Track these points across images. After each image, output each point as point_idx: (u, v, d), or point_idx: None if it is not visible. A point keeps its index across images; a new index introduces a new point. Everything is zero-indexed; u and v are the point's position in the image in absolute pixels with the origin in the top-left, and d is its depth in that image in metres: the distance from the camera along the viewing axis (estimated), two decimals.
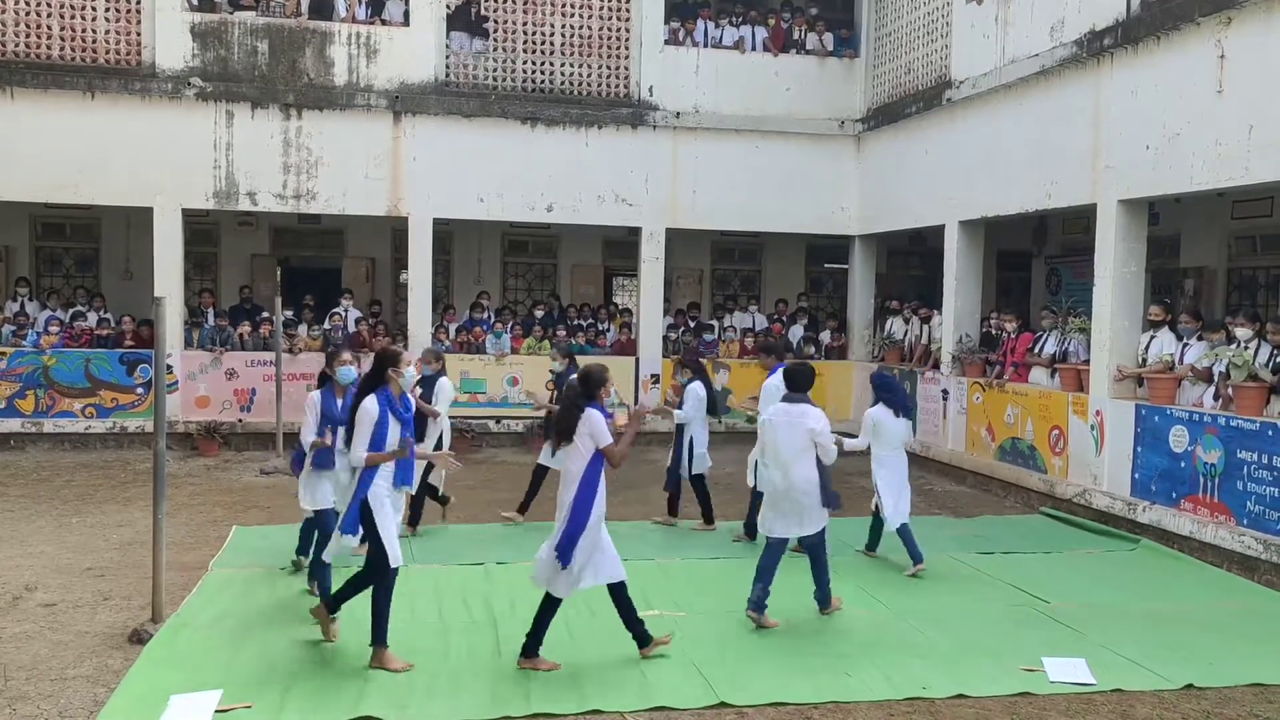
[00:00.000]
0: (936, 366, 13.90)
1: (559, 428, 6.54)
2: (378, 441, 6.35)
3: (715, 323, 16.94)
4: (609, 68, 15.47)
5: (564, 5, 15.24)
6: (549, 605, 6.41)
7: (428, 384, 9.62)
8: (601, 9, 15.35)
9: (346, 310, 15.44)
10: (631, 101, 15.45)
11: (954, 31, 13.48)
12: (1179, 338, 10.20)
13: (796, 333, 16.59)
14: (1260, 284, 13.55)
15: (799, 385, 7.52)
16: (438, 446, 9.27)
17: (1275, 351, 9.08)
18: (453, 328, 15.71)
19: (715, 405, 10.32)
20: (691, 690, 6.09)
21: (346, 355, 7.58)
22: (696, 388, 10.08)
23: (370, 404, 6.36)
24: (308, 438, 7.29)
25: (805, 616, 7.46)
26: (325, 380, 7.56)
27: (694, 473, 10.06)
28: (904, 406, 8.99)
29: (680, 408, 10.09)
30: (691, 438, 10.02)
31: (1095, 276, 10.85)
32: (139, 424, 14.06)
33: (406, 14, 15.02)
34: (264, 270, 17.10)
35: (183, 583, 7.89)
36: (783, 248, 18.57)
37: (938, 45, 14.02)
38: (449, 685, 6.13)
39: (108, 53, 14.22)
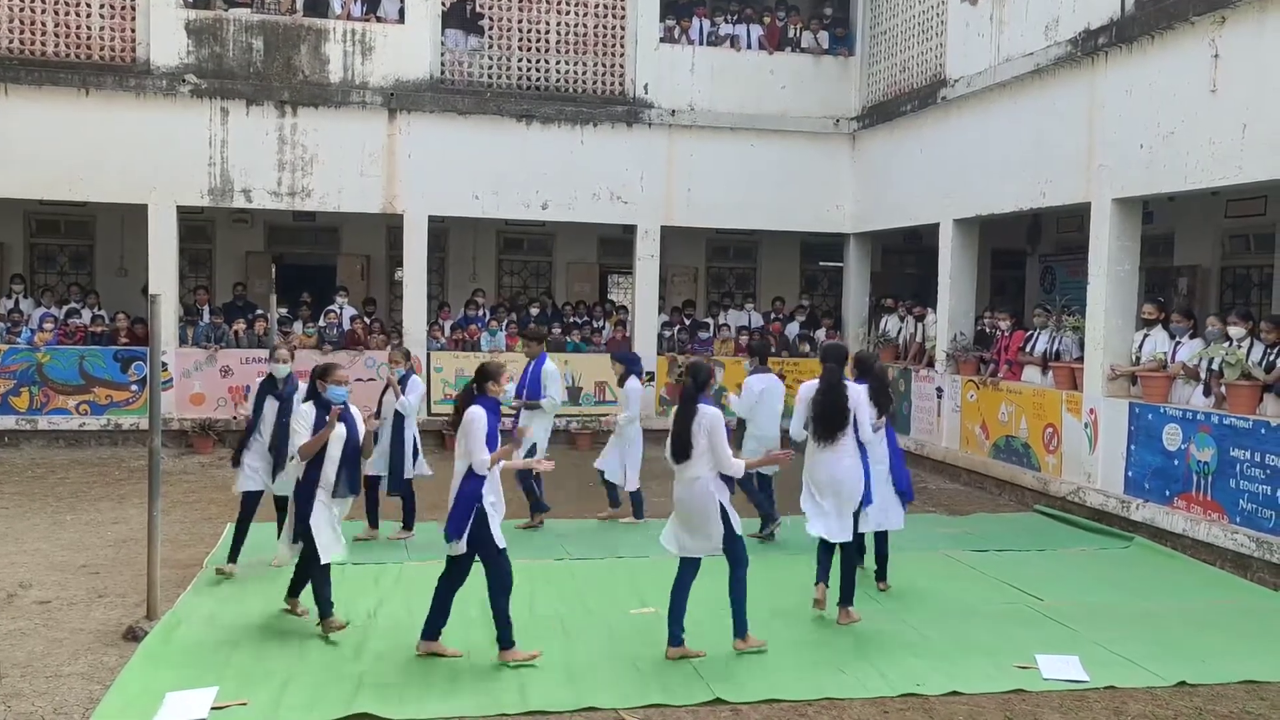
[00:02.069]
0: (931, 364, 13.92)
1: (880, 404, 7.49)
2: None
3: (710, 320, 16.95)
4: (604, 65, 15.47)
5: (559, 3, 15.23)
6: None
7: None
8: (597, 6, 15.35)
9: (341, 308, 15.43)
10: (627, 99, 15.45)
11: (949, 30, 13.51)
12: (1172, 336, 10.23)
13: (793, 330, 16.62)
14: (1253, 282, 13.59)
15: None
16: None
17: (1268, 350, 9.11)
18: (448, 325, 15.71)
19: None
20: (687, 687, 6.11)
21: (284, 352, 8.30)
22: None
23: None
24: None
25: (802, 614, 7.47)
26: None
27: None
28: (642, 375, 10.09)
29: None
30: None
31: (1089, 275, 10.88)
32: (133, 421, 14.04)
33: (402, 11, 15.01)
34: (259, 267, 17.10)
35: (178, 580, 7.90)
36: (778, 245, 18.60)
37: (933, 44, 14.03)
38: (445, 682, 6.14)
39: (102, 49, 14.19)
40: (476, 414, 6.36)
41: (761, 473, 9.49)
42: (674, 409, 6.74)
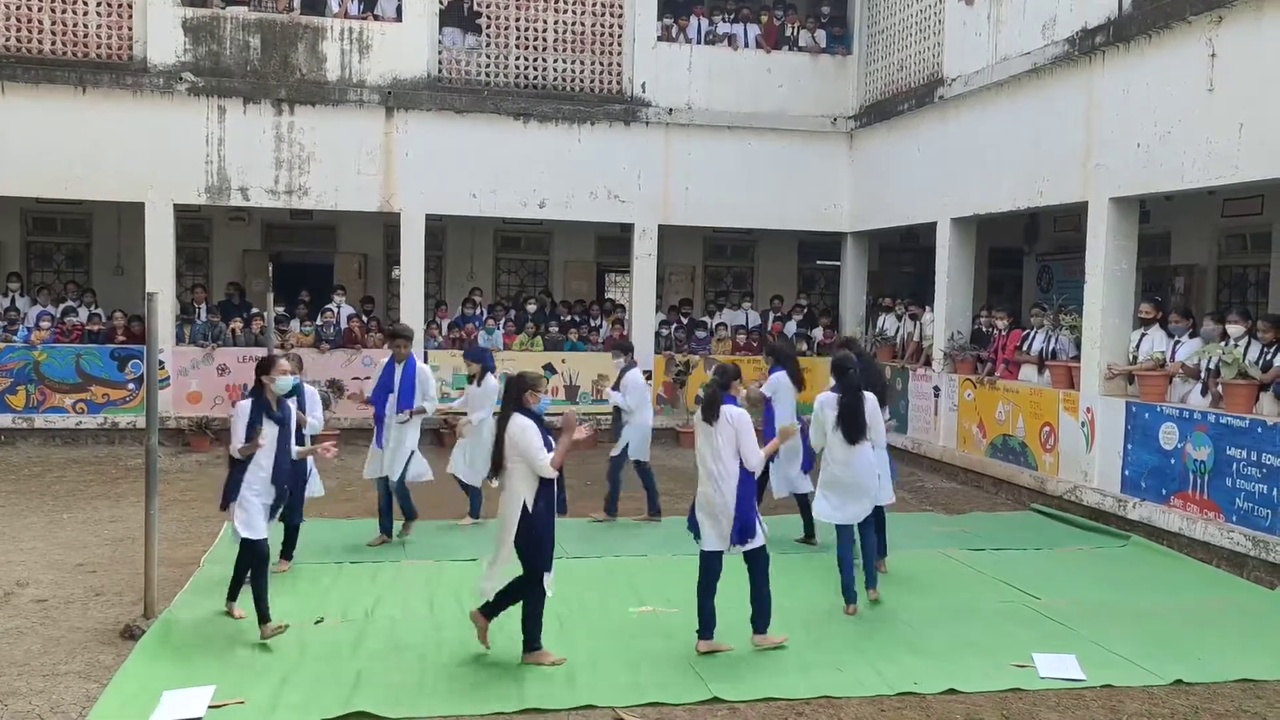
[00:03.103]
0: (928, 363, 13.93)
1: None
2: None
3: (708, 319, 16.96)
4: (602, 64, 15.46)
5: (557, 1, 15.23)
6: None
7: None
8: (595, 5, 15.34)
9: (339, 306, 15.43)
10: (624, 98, 15.45)
11: (946, 29, 13.51)
12: (1170, 335, 10.24)
13: (790, 329, 16.63)
14: (1250, 281, 13.61)
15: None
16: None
17: (1265, 349, 9.13)
18: (445, 324, 15.70)
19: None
20: (684, 685, 6.11)
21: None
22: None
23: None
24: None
25: (798, 614, 7.46)
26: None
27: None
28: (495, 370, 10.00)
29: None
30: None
31: (1086, 274, 10.89)
32: (130, 419, 14.03)
33: (399, 9, 15.01)
34: (256, 266, 17.07)
35: (175, 578, 7.89)
36: (775, 244, 18.61)
37: (930, 43, 14.04)
38: (442, 680, 6.14)
39: (99, 47, 14.17)
40: (745, 415, 6.67)
41: (644, 459, 10.32)
42: (834, 400, 7.59)
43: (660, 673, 6.29)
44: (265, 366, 6.92)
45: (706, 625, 6.66)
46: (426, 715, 5.68)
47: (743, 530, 6.55)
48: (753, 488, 6.66)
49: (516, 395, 6.41)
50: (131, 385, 14.23)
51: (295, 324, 15.17)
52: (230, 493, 6.78)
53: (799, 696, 6.01)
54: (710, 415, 6.61)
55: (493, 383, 9.82)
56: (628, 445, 10.20)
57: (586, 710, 5.78)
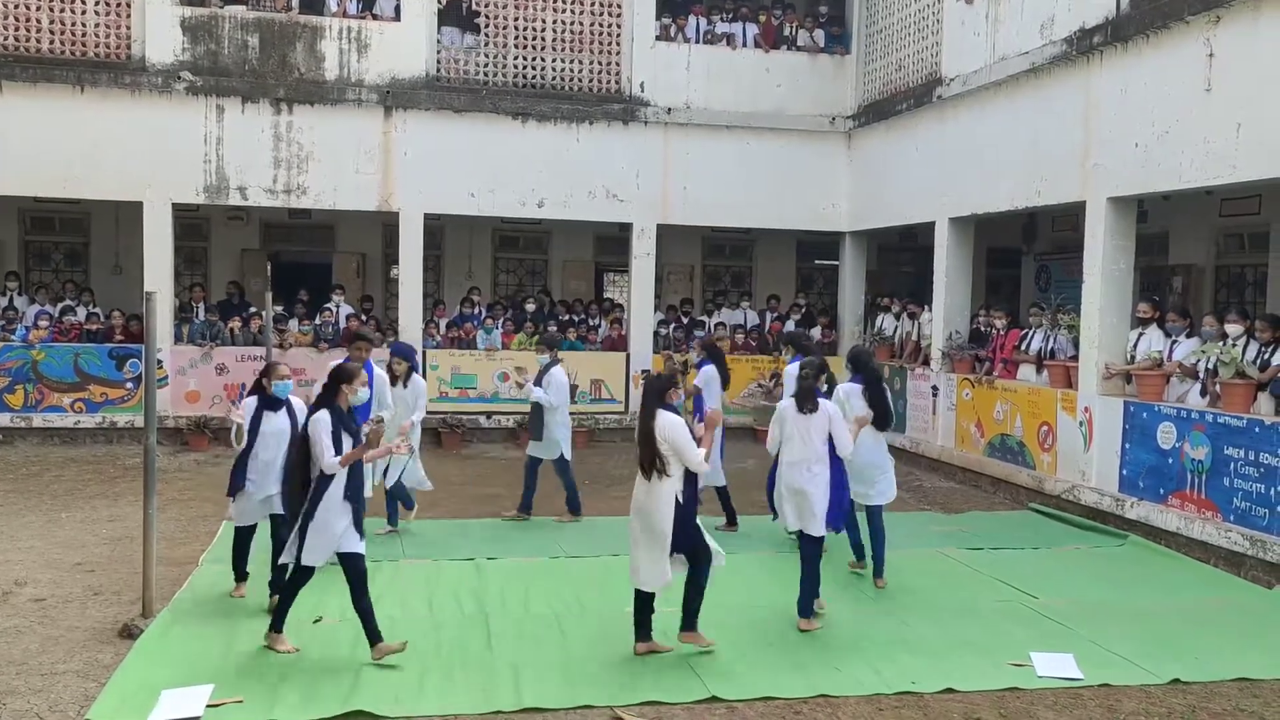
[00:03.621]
0: (926, 363, 13.95)
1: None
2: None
3: (706, 319, 16.96)
4: (600, 63, 15.46)
5: (555, 0, 15.23)
6: None
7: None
8: (593, 4, 15.34)
9: (338, 306, 15.42)
10: (623, 97, 15.45)
11: (945, 29, 13.52)
12: (1167, 335, 10.25)
13: (789, 328, 16.62)
14: (1248, 281, 13.62)
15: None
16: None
17: (1263, 349, 9.14)
18: (443, 323, 15.70)
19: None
20: (682, 684, 6.12)
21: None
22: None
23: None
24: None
25: (795, 612, 7.48)
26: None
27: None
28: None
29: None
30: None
31: (1084, 273, 10.90)
32: (128, 419, 14.03)
33: (398, 8, 15.01)
34: (254, 265, 17.07)
35: (173, 577, 7.89)
36: (774, 244, 18.62)
37: (929, 43, 14.05)
38: (440, 679, 6.15)
39: (97, 46, 14.16)
40: (837, 407, 7.35)
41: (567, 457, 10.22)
42: (859, 390, 8.10)
43: (658, 672, 6.30)
44: (348, 376, 6.48)
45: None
46: (425, 714, 5.69)
47: (837, 515, 7.14)
48: (844, 473, 7.25)
49: (659, 392, 6.64)
50: (130, 384, 14.23)
51: (294, 323, 15.17)
52: (310, 516, 6.32)
53: (797, 695, 6.02)
54: (811, 406, 7.18)
55: (420, 383, 9.45)
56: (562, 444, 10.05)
57: (585, 710, 5.79)
